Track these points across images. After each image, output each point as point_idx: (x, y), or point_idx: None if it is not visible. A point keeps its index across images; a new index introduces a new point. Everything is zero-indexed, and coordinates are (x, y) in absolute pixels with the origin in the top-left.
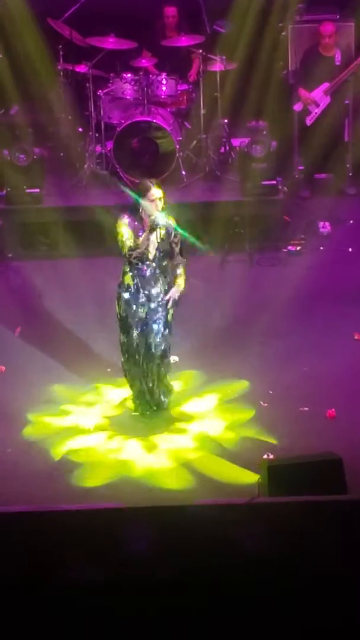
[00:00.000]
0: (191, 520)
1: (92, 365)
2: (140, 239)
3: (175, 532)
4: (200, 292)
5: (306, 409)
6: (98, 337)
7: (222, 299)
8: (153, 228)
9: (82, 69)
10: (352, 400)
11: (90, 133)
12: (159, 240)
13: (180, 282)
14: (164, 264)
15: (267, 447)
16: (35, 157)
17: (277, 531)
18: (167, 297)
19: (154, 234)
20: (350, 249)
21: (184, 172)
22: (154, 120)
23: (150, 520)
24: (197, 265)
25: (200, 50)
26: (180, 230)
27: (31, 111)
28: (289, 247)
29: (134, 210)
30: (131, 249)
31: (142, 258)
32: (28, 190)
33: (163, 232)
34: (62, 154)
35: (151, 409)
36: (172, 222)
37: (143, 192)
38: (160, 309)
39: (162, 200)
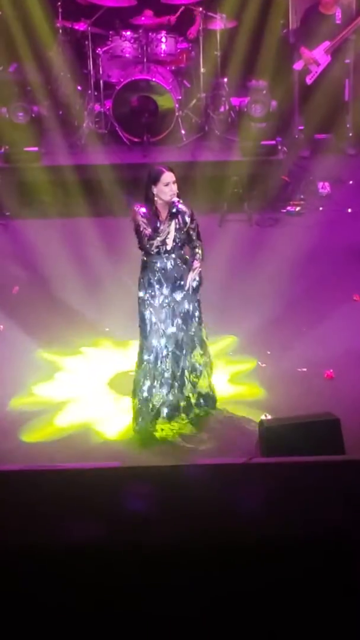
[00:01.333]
0: (189, 480)
1: (92, 323)
2: (161, 227)
3: (173, 491)
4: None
5: (304, 369)
6: (97, 297)
7: (221, 259)
8: (173, 214)
9: (81, 26)
10: (350, 361)
11: (89, 91)
12: (177, 228)
13: (195, 265)
14: (182, 252)
15: (265, 408)
16: (33, 115)
17: (274, 491)
18: (187, 287)
19: (174, 221)
20: (349, 210)
21: (183, 131)
22: (153, 79)
23: (147, 480)
24: None
25: (201, 8)
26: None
27: (30, 69)
28: (288, 208)
29: (148, 200)
30: (151, 238)
31: (160, 250)
32: (26, 149)
33: (181, 219)
34: (60, 113)
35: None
36: (186, 208)
37: (155, 178)
38: (188, 299)
39: (176, 184)
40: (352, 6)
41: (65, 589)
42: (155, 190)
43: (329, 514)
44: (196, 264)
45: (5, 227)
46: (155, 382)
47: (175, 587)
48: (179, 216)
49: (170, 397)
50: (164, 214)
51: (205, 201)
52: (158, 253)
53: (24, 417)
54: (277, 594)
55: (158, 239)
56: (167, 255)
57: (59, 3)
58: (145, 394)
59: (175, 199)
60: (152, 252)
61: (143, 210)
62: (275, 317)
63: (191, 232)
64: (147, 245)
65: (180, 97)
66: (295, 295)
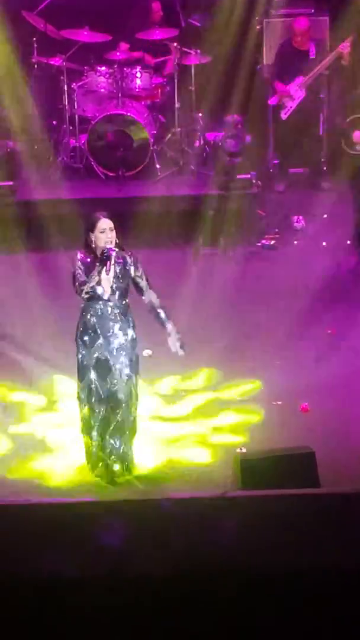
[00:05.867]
0: (164, 514)
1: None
2: (92, 273)
3: (148, 525)
4: (174, 287)
5: (279, 402)
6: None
7: (196, 294)
8: (103, 260)
9: (56, 61)
10: (325, 394)
11: (64, 126)
12: (115, 276)
13: (170, 328)
14: (123, 302)
15: (241, 442)
16: (8, 149)
17: (249, 524)
18: (175, 349)
19: (107, 268)
20: (324, 243)
21: (158, 166)
22: (128, 114)
23: (125, 514)
24: (170, 259)
25: (175, 44)
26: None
27: (4, 104)
28: (263, 241)
29: (87, 246)
30: (82, 284)
31: (96, 296)
32: (0, 183)
33: (119, 268)
34: (35, 147)
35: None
36: (128, 257)
37: (92, 225)
38: (122, 352)
39: (114, 231)
40: (325, 42)
41: (41, 623)
42: (92, 236)
43: (304, 546)
44: (170, 326)
45: None
46: (92, 430)
47: (152, 618)
48: (112, 266)
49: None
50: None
51: (181, 235)
52: (93, 298)
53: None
54: (252, 625)
55: (88, 284)
56: (103, 302)
57: (34, 38)
58: (94, 440)
59: (109, 246)
60: (83, 297)
61: (80, 256)
62: (249, 351)
63: (139, 281)
64: (77, 291)
65: (155, 132)
66: (269, 328)
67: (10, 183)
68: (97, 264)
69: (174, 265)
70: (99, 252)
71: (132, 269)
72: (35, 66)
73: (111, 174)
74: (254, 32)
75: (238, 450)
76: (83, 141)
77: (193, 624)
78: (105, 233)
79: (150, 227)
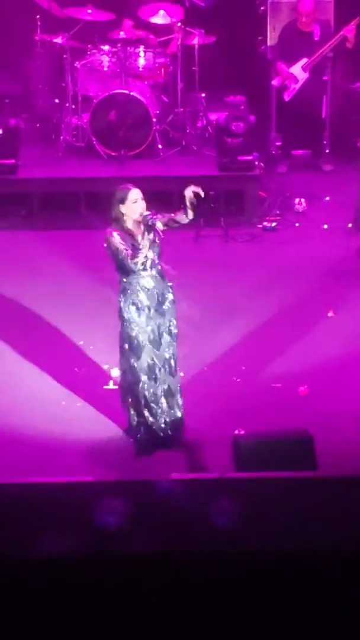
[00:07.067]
0: (161, 495)
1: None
2: (141, 244)
3: (146, 506)
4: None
5: (279, 385)
6: (72, 310)
7: (196, 275)
8: (149, 228)
9: (59, 40)
10: (325, 378)
11: (67, 105)
12: (152, 242)
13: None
14: (159, 268)
15: (239, 423)
16: (10, 127)
17: (247, 506)
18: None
19: (158, 236)
20: (325, 226)
21: (160, 146)
22: (131, 93)
23: (122, 494)
24: (171, 239)
25: (179, 24)
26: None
27: (7, 81)
28: (264, 223)
29: (117, 221)
30: (134, 257)
31: (145, 266)
32: (2, 161)
33: (152, 234)
34: (37, 125)
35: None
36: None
37: (122, 197)
38: (169, 314)
39: (144, 200)
40: (330, 23)
41: (35, 603)
42: (123, 209)
43: (300, 530)
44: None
45: None
46: (152, 403)
47: (150, 600)
48: (154, 231)
49: (162, 419)
50: (137, 231)
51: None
52: (143, 270)
53: None
54: (249, 609)
55: (140, 255)
56: (146, 272)
57: (38, 16)
58: (146, 417)
59: (147, 213)
60: (138, 270)
61: (114, 232)
62: (250, 332)
63: (171, 223)
64: (132, 265)
65: (158, 112)
66: (270, 310)
67: (12, 161)
68: (144, 233)
69: (174, 245)
70: (129, 224)
71: (158, 231)
72: (38, 44)
73: (113, 154)
74: (258, 13)
75: (236, 431)
76: (85, 120)
77: (189, 605)
78: (138, 202)
79: (151, 207)
